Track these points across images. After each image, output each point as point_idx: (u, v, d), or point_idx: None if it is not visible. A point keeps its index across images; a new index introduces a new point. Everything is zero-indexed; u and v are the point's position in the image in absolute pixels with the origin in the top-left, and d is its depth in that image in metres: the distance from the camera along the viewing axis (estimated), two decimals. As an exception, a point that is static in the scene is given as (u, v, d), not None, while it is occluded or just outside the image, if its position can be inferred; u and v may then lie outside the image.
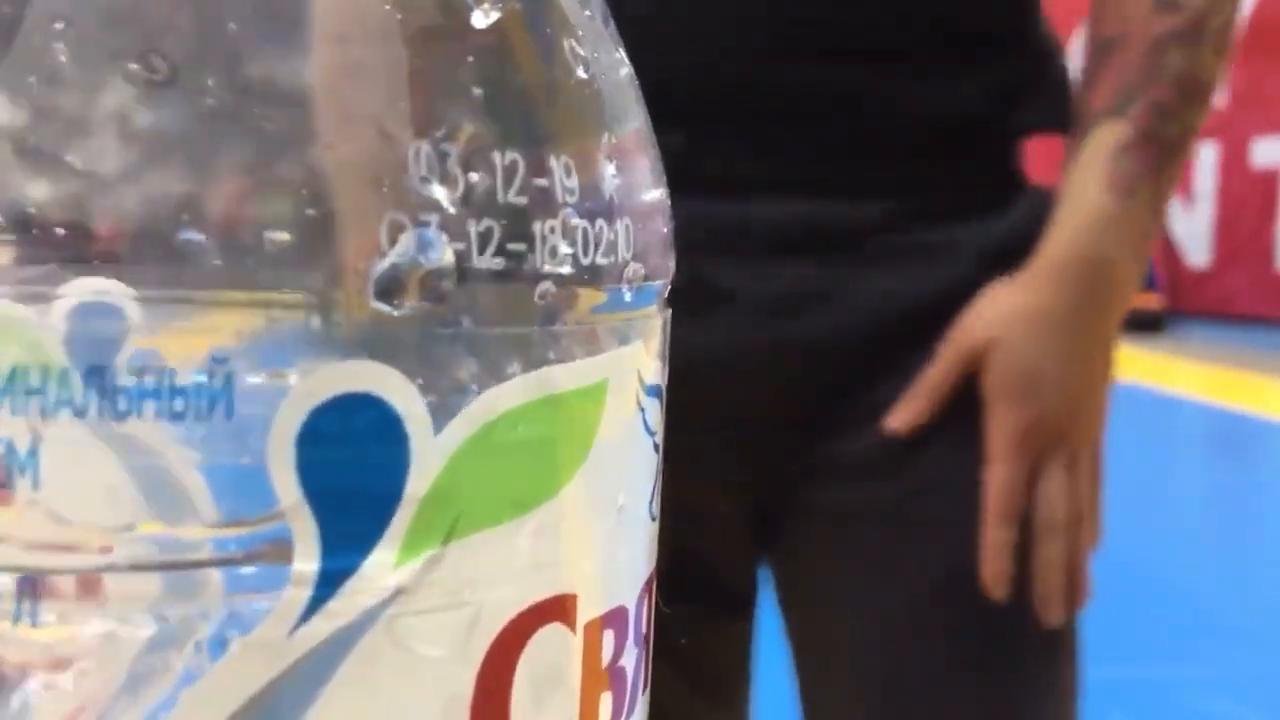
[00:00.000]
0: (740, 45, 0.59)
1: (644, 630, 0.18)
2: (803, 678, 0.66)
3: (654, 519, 0.18)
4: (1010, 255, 0.61)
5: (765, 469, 0.63)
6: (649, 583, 0.18)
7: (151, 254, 0.13)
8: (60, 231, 0.13)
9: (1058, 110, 0.64)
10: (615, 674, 0.17)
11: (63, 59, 0.13)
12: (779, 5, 0.59)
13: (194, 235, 0.13)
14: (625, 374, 0.16)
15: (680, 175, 0.56)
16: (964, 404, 0.61)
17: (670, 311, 0.19)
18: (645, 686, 0.18)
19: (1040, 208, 0.62)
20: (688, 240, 0.57)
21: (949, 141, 0.62)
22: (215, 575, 0.13)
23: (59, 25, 0.14)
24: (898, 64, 0.60)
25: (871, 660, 0.63)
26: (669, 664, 0.66)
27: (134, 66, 0.13)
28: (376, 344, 0.14)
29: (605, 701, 0.17)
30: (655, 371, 0.17)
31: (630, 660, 0.17)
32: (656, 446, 0.18)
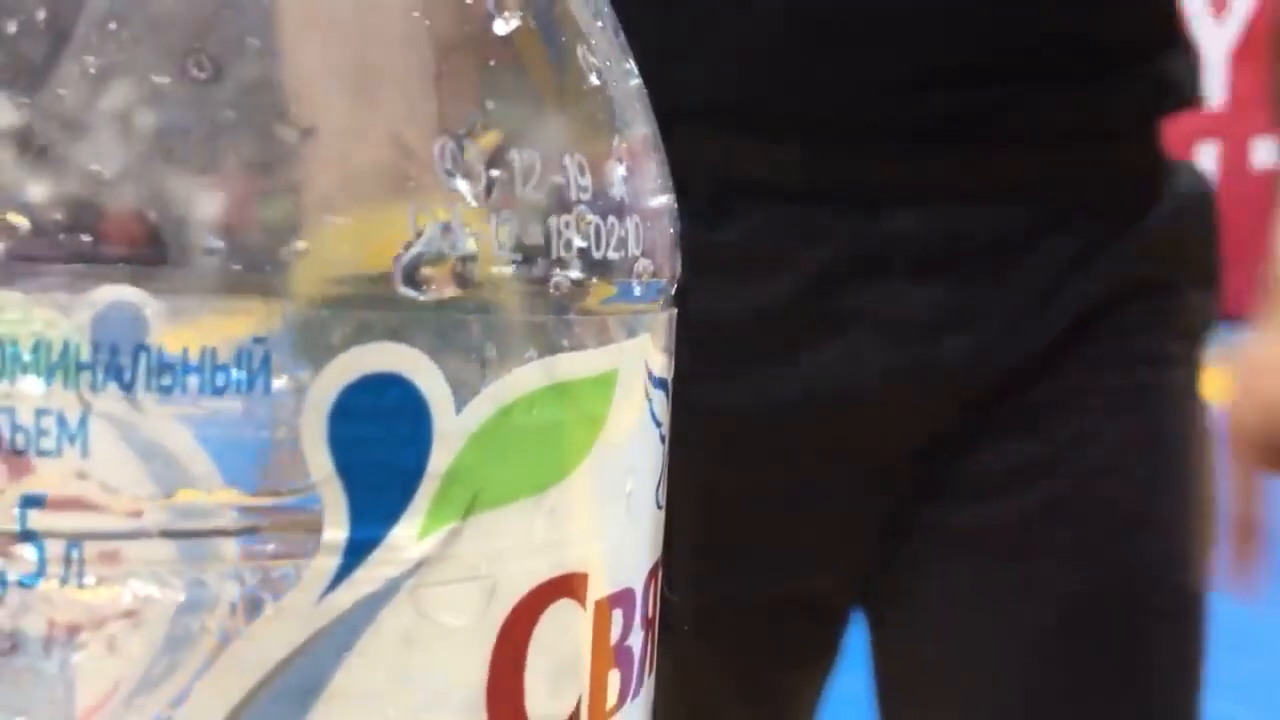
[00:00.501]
0: (882, 64, 0.55)
1: (649, 614, 0.19)
2: (895, 705, 0.62)
3: (660, 508, 0.19)
4: (1170, 245, 0.58)
5: (887, 502, 0.59)
6: (655, 569, 0.19)
7: (192, 244, 0.14)
8: (101, 219, 0.14)
9: (1191, 83, 0.60)
10: (622, 653, 0.18)
11: (94, 61, 0.14)
12: (924, 25, 0.55)
13: (231, 226, 0.14)
14: (634, 365, 0.17)
15: (808, 186, 0.54)
16: (1115, 415, 0.58)
17: (676, 310, 0.20)
18: (650, 669, 0.19)
19: (1190, 186, 0.59)
20: (812, 258, 0.54)
21: (1096, 142, 0.58)
22: (249, 543, 0.14)
23: (99, 28, 0.14)
24: (1044, 79, 0.56)
25: (984, 691, 0.59)
26: (750, 707, 0.64)
27: (166, 68, 0.14)
28: (403, 328, 0.15)
29: (613, 678, 0.17)
30: (662, 365, 0.18)
31: (637, 641, 0.18)
32: (663, 438, 0.19)
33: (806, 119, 0.55)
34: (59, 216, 0.14)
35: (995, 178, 0.56)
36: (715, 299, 0.55)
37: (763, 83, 0.55)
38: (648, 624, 0.18)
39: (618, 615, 0.17)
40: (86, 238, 0.14)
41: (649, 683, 0.19)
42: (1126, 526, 0.58)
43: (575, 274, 0.16)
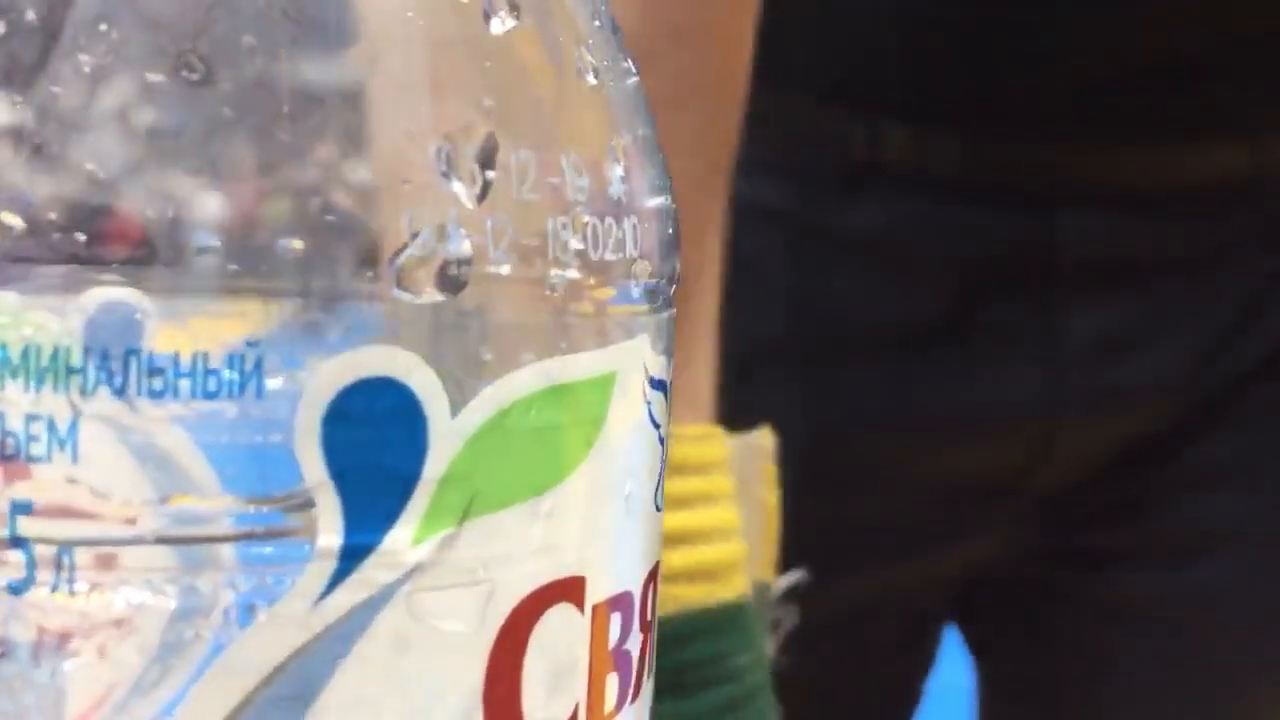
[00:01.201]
0: (1065, 48, 0.48)
1: (648, 618, 0.18)
2: None
3: (659, 510, 0.19)
4: None
5: (1017, 545, 0.52)
6: (653, 572, 0.19)
7: (183, 245, 0.14)
8: (92, 226, 0.14)
9: None
10: (621, 656, 0.17)
11: (89, 61, 0.14)
12: (1115, 9, 0.48)
13: (223, 228, 0.14)
14: (632, 367, 0.17)
15: (963, 176, 0.47)
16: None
17: (674, 311, 0.19)
18: (649, 673, 0.19)
19: None
20: (962, 259, 0.47)
21: None
22: (242, 548, 0.14)
23: (92, 27, 0.14)
24: (1241, 74, 0.49)
25: None
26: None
27: (161, 67, 0.14)
28: (398, 330, 0.14)
29: (611, 682, 0.17)
30: (660, 367, 0.18)
31: (635, 645, 0.18)
32: (662, 440, 0.19)
33: (970, 102, 0.47)
34: (50, 218, 0.14)
35: (1185, 180, 0.49)
36: (838, 293, 0.48)
37: (923, 59, 0.48)
38: (646, 627, 0.18)
39: (616, 619, 0.17)
40: (78, 239, 0.14)
41: (648, 686, 0.19)
42: None
43: (573, 275, 0.16)
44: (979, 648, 0.60)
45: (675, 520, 0.33)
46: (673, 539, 0.33)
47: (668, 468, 0.34)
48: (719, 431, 0.36)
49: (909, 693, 0.60)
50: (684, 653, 0.33)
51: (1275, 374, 0.50)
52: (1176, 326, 0.49)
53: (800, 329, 0.48)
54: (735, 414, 0.37)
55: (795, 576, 0.39)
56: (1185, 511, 0.51)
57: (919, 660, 0.59)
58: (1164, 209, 0.48)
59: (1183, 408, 0.50)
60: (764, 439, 0.37)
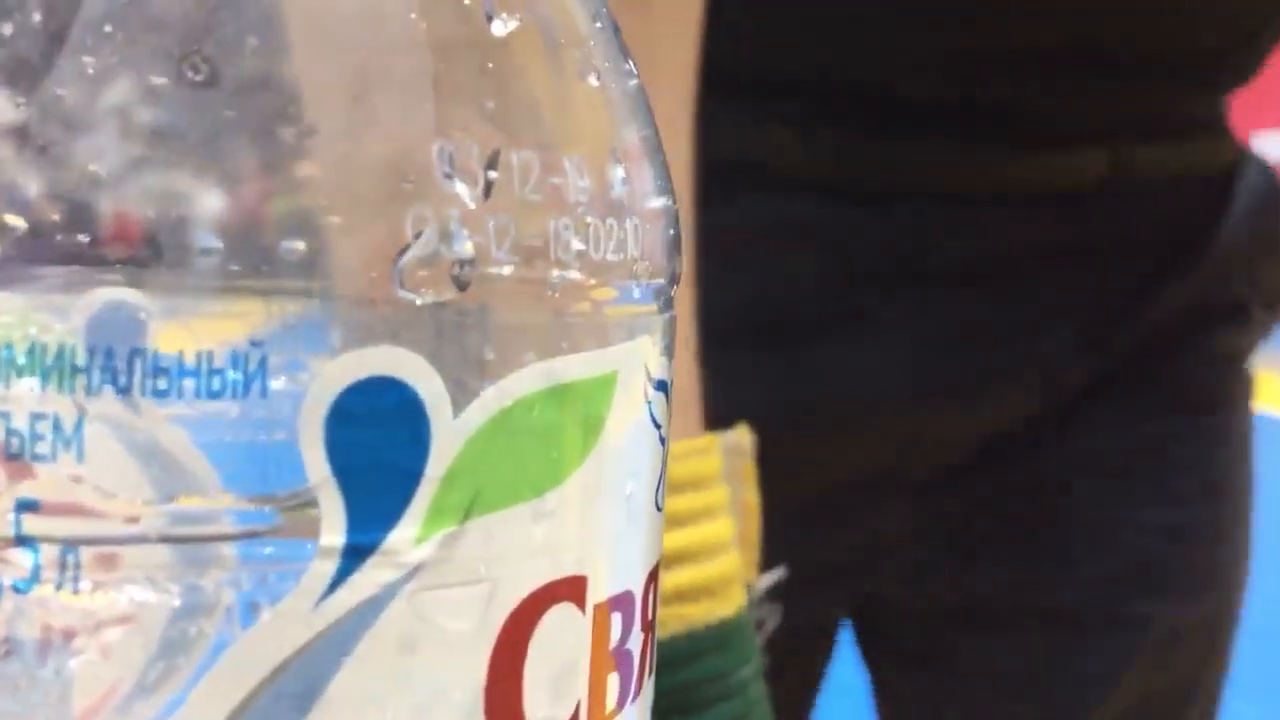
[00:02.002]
0: (935, 42, 0.50)
1: (649, 617, 0.19)
2: None
3: (659, 510, 0.19)
4: (1242, 262, 0.54)
5: (895, 542, 0.55)
6: (654, 571, 0.19)
7: (188, 245, 0.14)
8: (97, 221, 0.14)
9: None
10: (622, 656, 0.17)
11: (94, 62, 0.14)
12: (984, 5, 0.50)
13: (229, 228, 0.14)
14: (633, 367, 0.17)
15: (831, 172, 0.49)
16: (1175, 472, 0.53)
17: (675, 312, 0.19)
18: (650, 672, 0.19)
19: (1259, 186, 0.55)
20: (834, 257, 0.49)
21: (1169, 138, 0.53)
22: (246, 547, 0.14)
23: (98, 28, 0.14)
24: (1116, 73, 0.52)
25: None
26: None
27: (166, 68, 0.14)
28: (401, 331, 0.15)
29: (612, 681, 0.17)
30: (662, 367, 0.18)
31: (636, 644, 0.18)
32: (662, 440, 0.19)
33: (847, 102, 0.50)
34: (54, 218, 0.14)
35: (1049, 181, 0.52)
36: (714, 286, 0.51)
37: (802, 59, 0.50)
38: (647, 626, 0.18)
39: (617, 618, 0.17)
40: (82, 240, 0.14)
41: (648, 685, 0.19)
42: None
43: (574, 276, 0.16)
44: (869, 662, 0.61)
45: (676, 539, 0.34)
46: (674, 558, 0.34)
47: (666, 486, 0.34)
48: (714, 441, 0.36)
49: (808, 691, 0.61)
50: (688, 672, 0.34)
51: (1133, 372, 0.53)
52: (1042, 321, 0.52)
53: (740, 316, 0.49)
54: None
55: (776, 575, 0.40)
56: (1046, 507, 0.53)
57: (817, 661, 0.60)
58: (1031, 208, 0.51)
59: (1047, 399, 0.52)
60: (743, 437, 0.38)
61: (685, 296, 0.37)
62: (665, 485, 0.33)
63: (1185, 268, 0.54)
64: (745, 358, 0.51)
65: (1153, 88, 0.53)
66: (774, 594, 0.41)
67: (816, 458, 0.52)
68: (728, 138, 0.49)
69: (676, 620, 0.34)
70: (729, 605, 0.35)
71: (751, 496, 0.38)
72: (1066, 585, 0.55)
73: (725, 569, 0.35)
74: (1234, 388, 0.57)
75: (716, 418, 0.50)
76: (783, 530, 0.49)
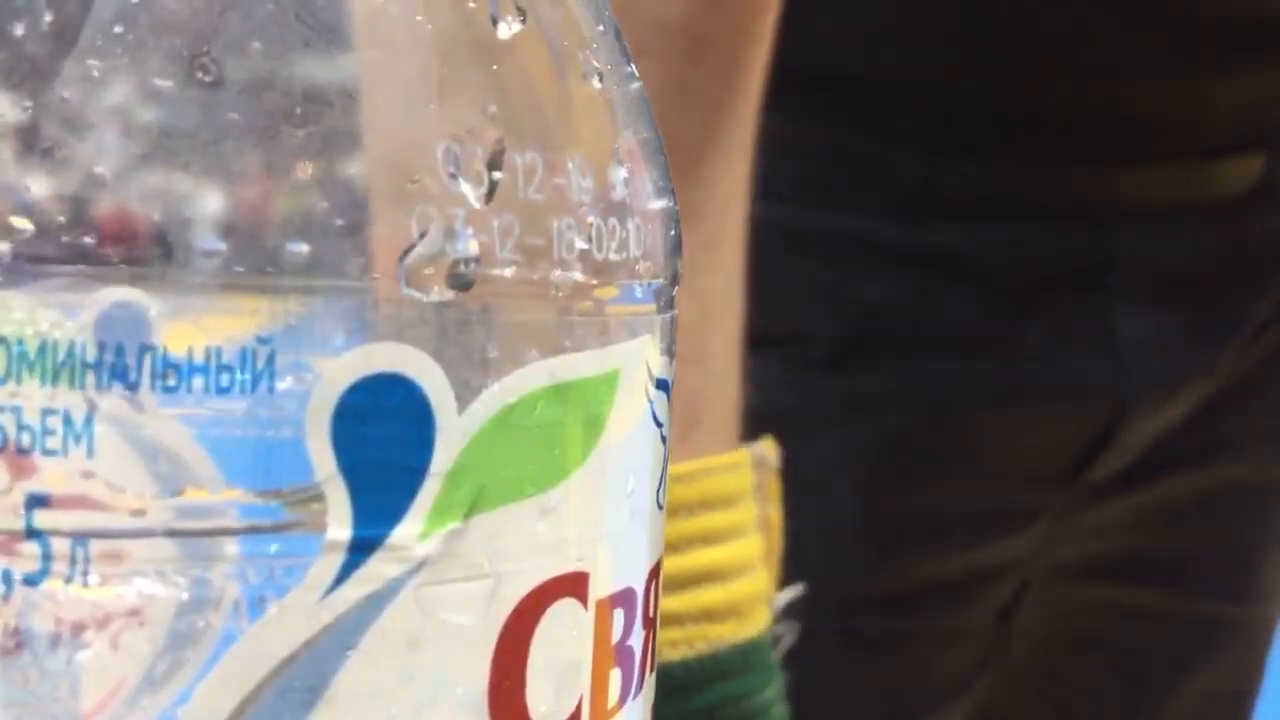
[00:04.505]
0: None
1: (650, 614, 0.19)
2: None
3: (661, 508, 0.19)
4: None
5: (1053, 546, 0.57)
6: (656, 568, 0.19)
7: (196, 243, 0.14)
8: (104, 220, 0.14)
9: None
10: (623, 652, 0.18)
11: (103, 64, 0.14)
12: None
13: (237, 226, 0.14)
14: (635, 365, 0.17)
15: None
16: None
17: (676, 312, 0.20)
18: (651, 669, 0.19)
19: None
20: (1023, 273, 0.53)
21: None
22: (252, 541, 0.14)
23: (107, 30, 0.15)
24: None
25: None
26: None
27: (175, 69, 0.14)
28: (406, 328, 0.15)
29: (614, 677, 0.17)
30: (663, 366, 0.18)
31: (638, 640, 0.18)
32: (664, 438, 0.19)
33: (1023, 134, 0.52)
34: (61, 219, 0.14)
35: (1210, 191, 0.53)
36: (902, 302, 0.52)
37: (982, 101, 0.52)
38: (649, 623, 0.19)
39: (619, 615, 0.17)
40: (90, 239, 0.14)
41: (649, 682, 0.19)
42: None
43: (577, 275, 0.16)
44: None
45: (706, 557, 0.35)
46: (704, 576, 0.35)
47: (698, 503, 0.35)
48: (746, 457, 0.37)
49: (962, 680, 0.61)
50: (714, 692, 0.34)
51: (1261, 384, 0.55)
52: (1218, 323, 0.54)
53: (872, 331, 0.52)
54: (820, 406, 0.39)
55: (794, 592, 0.41)
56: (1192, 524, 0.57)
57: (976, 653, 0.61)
58: (1194, 218, 0.53)
59: (1196, 413, 0.54)
60: (769, 450, 0.38)
61: (730, 313, 0.37)
62: (697, 503, 0.33)
63: None
64: (937, 358, 0.53)
65: None
66: (792, 611, 0.41)
67: (1010, 450, 0.54)
68: (900, 173, 0.51)
69: (703, 641, 0.34)
70: (754, 626, 0.36)
71: (775, 511, 0.39)
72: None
73: (752, 588, 0.36)
74: None
75: (910, 409, 0.51)
76: (965, 523, 0.53)
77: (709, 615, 0.35)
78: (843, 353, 0.51)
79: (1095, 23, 0.50)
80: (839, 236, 0.49)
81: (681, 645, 0.34)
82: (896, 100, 0.50)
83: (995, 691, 0.60)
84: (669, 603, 0.34)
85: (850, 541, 0.51)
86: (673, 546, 0.34)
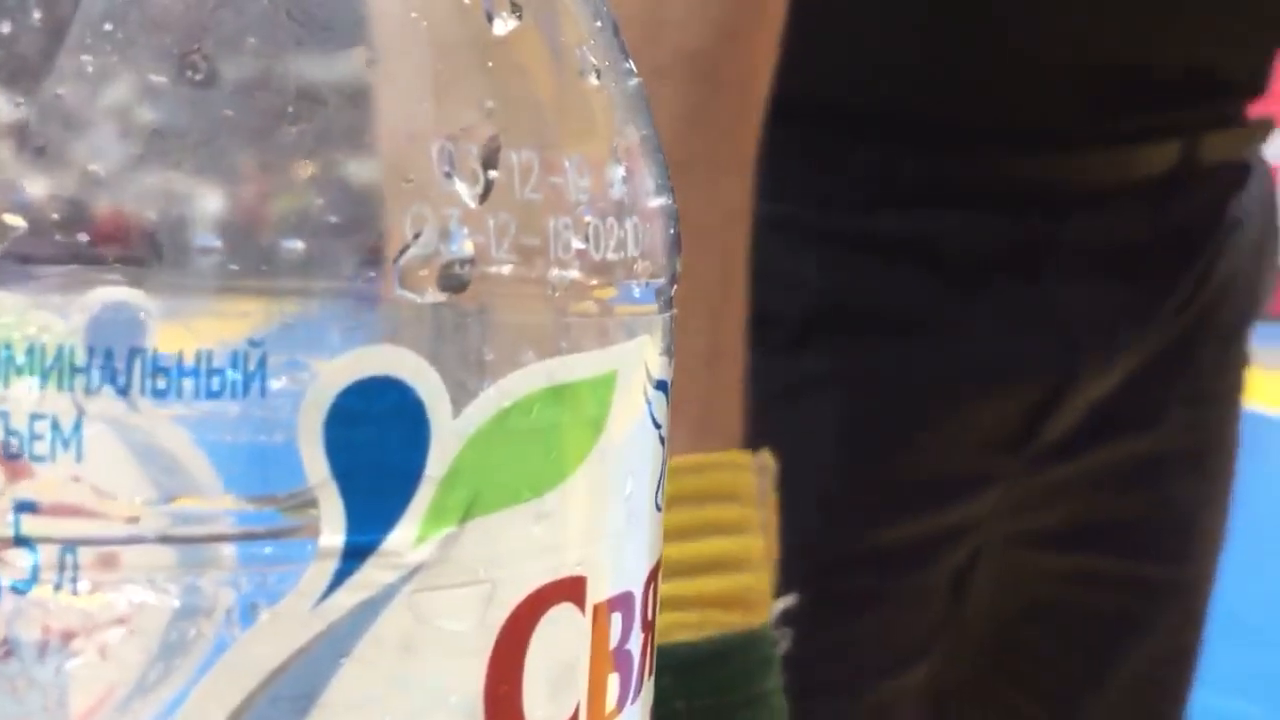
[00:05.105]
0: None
1: (649, 617, 0.19)
2: None
3: (659, 510, 0.19)
4: (1244, 281, 0.62)
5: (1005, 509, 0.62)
6: (654, 571, 0.19)
7: (187, 245, 0.14)
8: (97, 220, 0.14)
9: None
10: (621, 656, 0.17)
11: (95, 61, 0.14)
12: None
13: (228, 228, 0.14)
14: (633, 367, 0.17)
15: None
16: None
17: (675, 312, 0.19)
18: (650, 673, 0.19)
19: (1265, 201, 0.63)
20: (975, 254, 0.59)
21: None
22: (245, 547, 0.14)
23: (98, 27, 0.14)
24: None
25: None
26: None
27: (167, 67, 0.14)
28: (400, 330, 0.14)
29: (612, 682, 0.17)
30: (661, 366, 0.18)
31: (636, 644, 0.18)
32: (662, 439, 0.19)
33: (975, 127, 0.57)
34: (54, 218, 0.14)
35: (1133, 176, 0.58)
36: (865, 284, 0.57)
37: (936, 98, 0.57)
38: (647, 627, 0.18)
39: (617, 619, 0.17)
40: (80, 239, 0.14)
41: (648, 686, 0.19)
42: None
43: (574, 275, 0.16)
44: None
45: (716, 546, 0.36)
46: (715, 564, 0.36)
47: (707, 494, 0.37)
48: (749, 458, 0.39)
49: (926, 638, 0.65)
50: (720, 675, 0.36)
51: (1182, 353, 0.61)
52: (1149, 295, 0.59)
53: (832, 314, 0.56)
54: (786, 384, 0.44)
55: (788, 601, 0.42)
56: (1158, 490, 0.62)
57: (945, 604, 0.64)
58: (1123, 201, 0.58)
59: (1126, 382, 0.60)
60: (767, 461, 0.39)
61: (738, 319, 0.39)
62: (707, 492, 0.35)
63: (1224, 248, 0.61)
64: (896, 336, 0.57)
65: (1215, 85, 0.59)
66: (786, 619, 0.44)
67: (964, 420, 0.58)
68: (862, 169, 0.56)
69: (712, 626, 0.36)
70: (759, 618, 0.37)
71: (772, 519, 0.40)
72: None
73: (758, 584, 0.37)
74: (1242, 374, 0.65)
75: (867, 384, 0.56)
76: (922, 490, 0.58)
77: (718, 602, 0.36)
78: (804, 335, 0.55)
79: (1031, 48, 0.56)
80: (799, 226, 0.54)
81: (692, 628, 0.36)
82: (852, 105, 0.56)
83: (956, 664, 0.63)
84: (680, 587, 0.35)
85: (816, 509, 0.55)
86: (683, 533, 0.35)
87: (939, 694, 0.63)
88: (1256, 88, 0.61)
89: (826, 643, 0.55)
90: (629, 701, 0.18)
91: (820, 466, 0.55)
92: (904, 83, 0.57)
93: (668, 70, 0.35)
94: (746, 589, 0.37)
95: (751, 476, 0.38)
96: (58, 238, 0.14)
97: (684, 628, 0.35)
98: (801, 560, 0.41)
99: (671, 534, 0.28)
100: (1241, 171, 0.62)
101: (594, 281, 0.16)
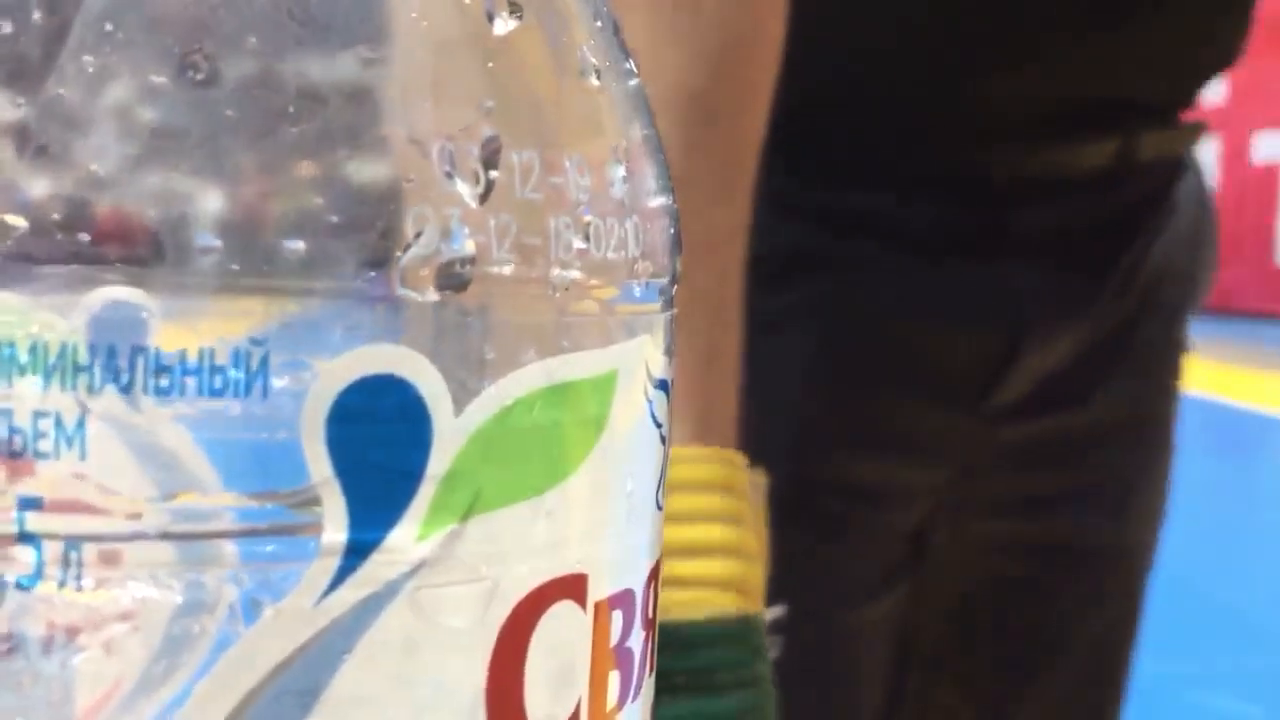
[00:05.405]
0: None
1: (649, 615, 0.19)
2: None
3: (659, 508, 0.19)
4: (1177, 271, 0.67)
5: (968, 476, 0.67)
6: (655, 569, 0.19)
7: (189, 244, 0.14)
8: (99, 219, 0.14)
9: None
10: (622, 654, 0.18)
11: (96, 62, 0.14)
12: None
13: (231, 227, 0.14)
14: (634, 366, 0.17)
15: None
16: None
17: (675, 311, 0.19)
18: (650, 670, 0.19)
19: (1197, 199, 0.68)
20: (929, 240, 0.64)
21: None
22: (248, 544, 0.14)
23: (98, 28, 0.14)
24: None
25: None
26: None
27: (169, 67, 0.14)
28: (403, 329, 0.15)
29: (613, 679, 0.17)
30: (662, 365, 0.18)
31: (637, 642, 0.18)
32: (663, 438, 0.19)
33: (938, 128, 0.63)
34: (56, 217, 0.14)
35: (1073, 170, 0.63)
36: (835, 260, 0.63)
37: (899, 102, 0.64)
38: (648, 625, 0.18)
39: (618, 616, 0.17)
40: (83, 238, 0.14)
41: (649, 683, 0.19)
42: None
43: (575, 275, 0.16)
44: None
45: (715, 532, 0.38)
46: (712, 549, 0.38)
47: (705, 483, 0.38)
48: (743, 460, 0.41)
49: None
50: (714, 655, 0.37)
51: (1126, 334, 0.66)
52: (1093, 274, 0.65)
53: (812, 254, 0.63)
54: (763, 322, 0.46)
55: (778, 610, 0.44)
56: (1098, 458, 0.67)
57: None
58: (1068, 190, 0.64)
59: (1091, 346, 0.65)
60: (760, 479, 0.42)
61: (736, 322, 0.42)
62: (705, 482, 0.36)
63: (1159, 237, 0.67)
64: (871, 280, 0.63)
65: (1153, 89, 0.65)
66: (775, 628, 0.46)
67: (930, 362, 0.64)
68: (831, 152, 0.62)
69: (709, 606, 0.37)
70: (754, 606, 0.39)
71: (763, 533, 0.42)
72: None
73: (755, 575, 0.39)
74: (1180, 355, 0.71)
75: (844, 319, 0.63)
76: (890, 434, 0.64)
77: (716, 584, 0.38)
78: (786, 269, 0.61)
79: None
80: (781, 196, 0.59)
81: (689, 607, 0.37)
82: (823, 104, 0.62)
83: (921, 633, 0.68)
84: (679, 567, 0.37)
85: (789, 432, 0.61)
86: (682, 518, 0.37)
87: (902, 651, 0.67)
88: (1188, 105, 0.68)
89: (791, 565, 0.58)
90: (630, 699, 0.18)
91: (795, 394, 0.61)
92: (875, 85, 0.63)
93: (666, 106, 0.38)
94: (743, 577, 0.38)
95: (745, 474, 0.40)
96: (59, 237, 0.14)
97: (681, 606, 0.37)
98: (774, 480, 0.43)
99: (670, 518, 0.29)
100: (1176, 167, 0.67)
101: (595, 281, 0.16)
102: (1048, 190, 0.64)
